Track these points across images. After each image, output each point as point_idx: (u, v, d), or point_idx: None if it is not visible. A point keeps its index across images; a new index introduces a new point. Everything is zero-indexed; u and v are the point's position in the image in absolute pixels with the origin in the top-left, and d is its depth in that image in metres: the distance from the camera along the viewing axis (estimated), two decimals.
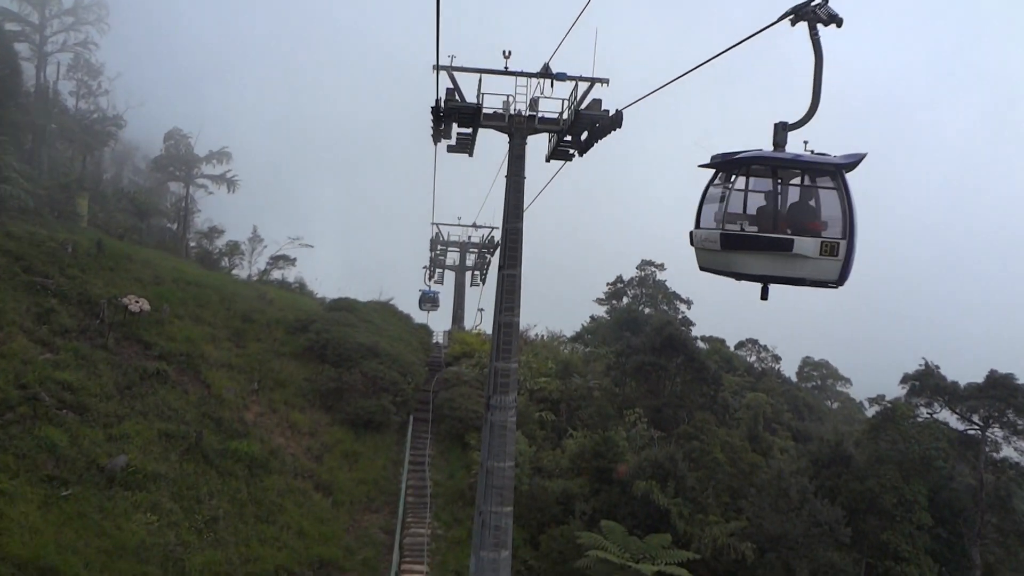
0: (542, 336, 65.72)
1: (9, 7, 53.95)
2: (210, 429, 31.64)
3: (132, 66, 74.90)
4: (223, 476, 29.50)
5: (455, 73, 21.19)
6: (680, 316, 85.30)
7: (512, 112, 21.93)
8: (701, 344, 61.97)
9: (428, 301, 59.53)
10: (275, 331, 42.37)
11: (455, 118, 21.68)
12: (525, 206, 22.80)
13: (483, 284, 66.74)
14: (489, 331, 64.09)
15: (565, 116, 21.73)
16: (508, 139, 22.50)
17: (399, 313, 52.40)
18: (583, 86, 21.41)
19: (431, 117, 21.44)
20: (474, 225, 62.54)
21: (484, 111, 21.58)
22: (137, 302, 36.03)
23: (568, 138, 22.61)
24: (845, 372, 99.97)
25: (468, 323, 65.60)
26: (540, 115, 22.05)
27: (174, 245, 63.46)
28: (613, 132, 20.82)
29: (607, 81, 21.38)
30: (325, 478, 32.64)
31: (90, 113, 58.80)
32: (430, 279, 66.97)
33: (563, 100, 21.70)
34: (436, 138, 22.71)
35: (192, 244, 69.48)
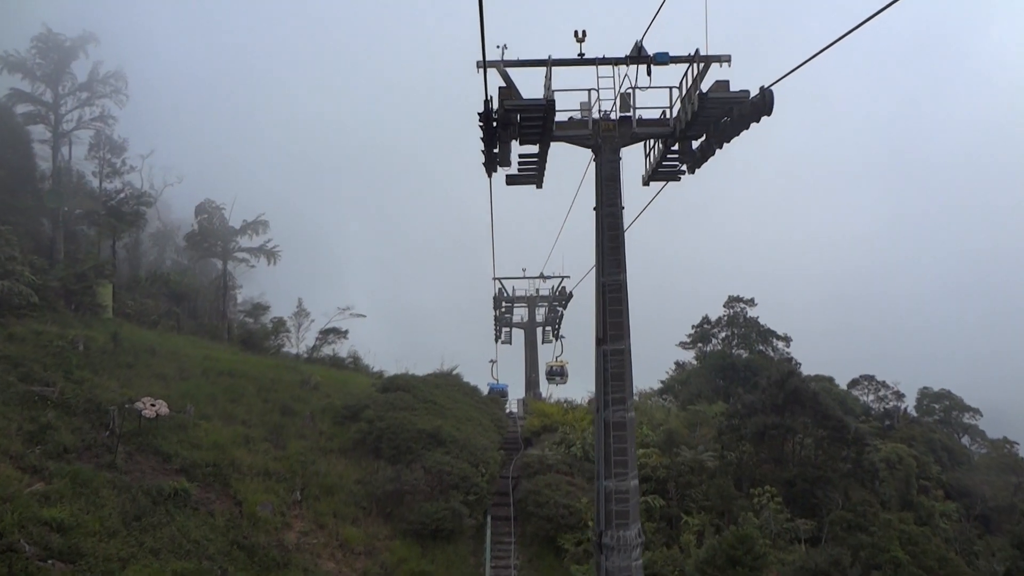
0: None
1: (21, 86, 51.21)
2: (240, 563, 25.77)
3: (160, 139, 72.26)
4: None
5: (509, 70, 15.31)
6: (781, 355, 77.43)
7: (597, 115, 15.91)
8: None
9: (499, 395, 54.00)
10: (321, 422, 36.76)
11: (514, 132, 15.75)
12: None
13: (556, 341, 60.62)
14: (566, 395, 57.97)
15: (676, 111, 15.56)
16: (593, 155, 16.50)
17: (464, 386, 46.29)
18: (693, 70, 15.27)
19: (481, 132, 15.57)
20: (541, 276, 56.86)
21: (557, 116, 15.59)
22: (153, 405, 30.84)
23: (674, 147, 16.44)
24: (972, 402, 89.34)
25: (544, 387, 59.27)
26: (637, 115, 15.97)
27: (215, 328, 59.22)
28: (748, 127, 14.54)
29: (728, 59, 15.22)
30: None
31: (116, 193, 55.37)
32: (498, 339, 61.16)
33: (670, 89, 15.58)
34: (490, 166, 16.91)
35: (237, 323, 65.49)
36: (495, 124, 15.56)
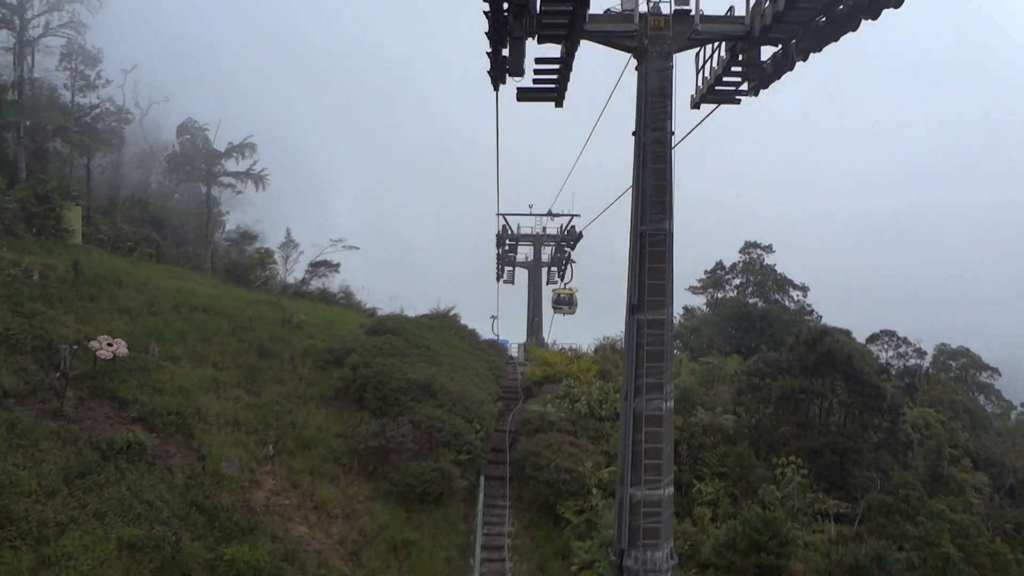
0: None
1: None
2: (198, 528, 23.01)
3: (138, 51, 67.76)
4: None
5: None
6: (798, 305, 74.27)
7: (646, 7, 12.23)
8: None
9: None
10: (301, 366, 33.78)
11: (531, 25, 12.10)
12: None
13: (562, 282, 57.32)
14: (573, 343, 54.87)
15: (754, 2, 11.85)
16: (635, 61, 12.88)
17: (461, 329, 43.18)
18: None
19: (486, 24, 11.89)
20: (549, 214, 53.38)
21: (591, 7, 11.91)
22: (110, 345, 27.74)
23: (740, 56, 12.80)
24: (991, 360, 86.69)
25: (547, 331, 56.26)
26: (700, 10, 12.29)
27: (198, 257, 56.02)
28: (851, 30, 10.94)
29: None
30: None
31: (91, 108, 51.41)
32: (499, 278, 57.93)
33: None
34: (498, 74, 13.36)
35: (223, 253, 62.22)
36: (506, 12, 11.88)
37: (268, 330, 35.92)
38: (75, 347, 26.47)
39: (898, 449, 32.08)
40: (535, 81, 14.10)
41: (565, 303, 53.58)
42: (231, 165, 55.41)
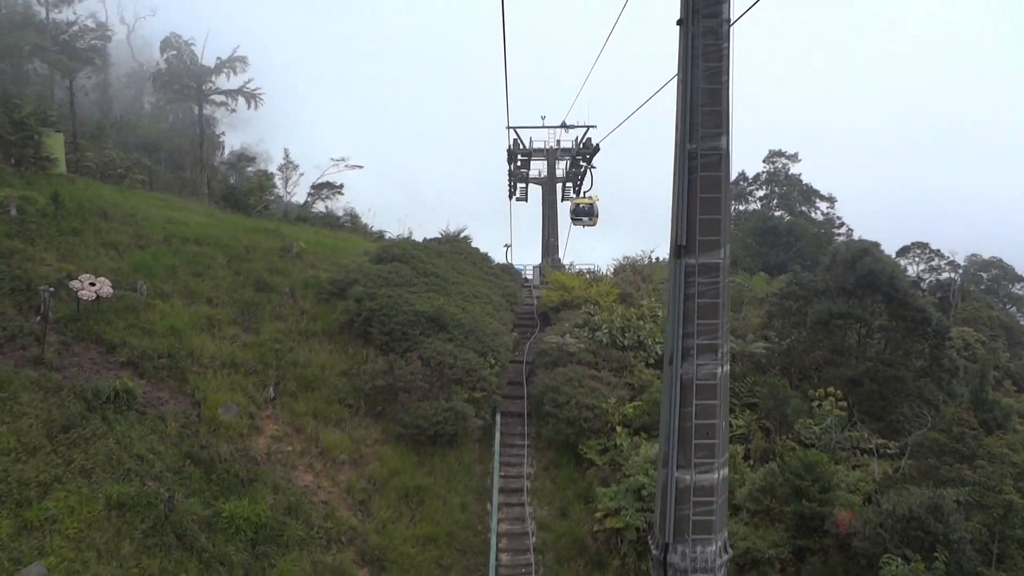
0: (650, 258, 53.71)
1: None
2: (194, 482, 21.66)
3: None
4: (208, 569, 19.48)
5: None
6: (826, 217, 71.55)
7: None
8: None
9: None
10: (303, 299, 31.97)
11: None
12: None
13: (577, 193, 54.67)
14: (590, 263, 52.70)
15: None
16: None
17: (472, 253, 41.10)
18: None
19: None
20: (563, 126, 50.39)
21: None
22: (92, 284, 25.97)
23: None
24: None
25: (563, 251, 54.09)
26: None
27: (193, 182, 53.82)
28: None
29: None
30: (375, 542, 22.40)
31: (68, 25, 48.36)
32: (512, 195, 55.44)
33: None
34: None
35: (220, 177, 59.90)
36: None
37: (266, 261, 34.05)
38: (51, 289, 24.65)
39: (943, 377, 30.18)
40: None
41: (585, 214, 49.73)
42: (222, 83, 52.43)
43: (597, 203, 49.89)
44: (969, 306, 54.67)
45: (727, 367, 10.80)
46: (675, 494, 10.30)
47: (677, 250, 10.83)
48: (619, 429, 26.71)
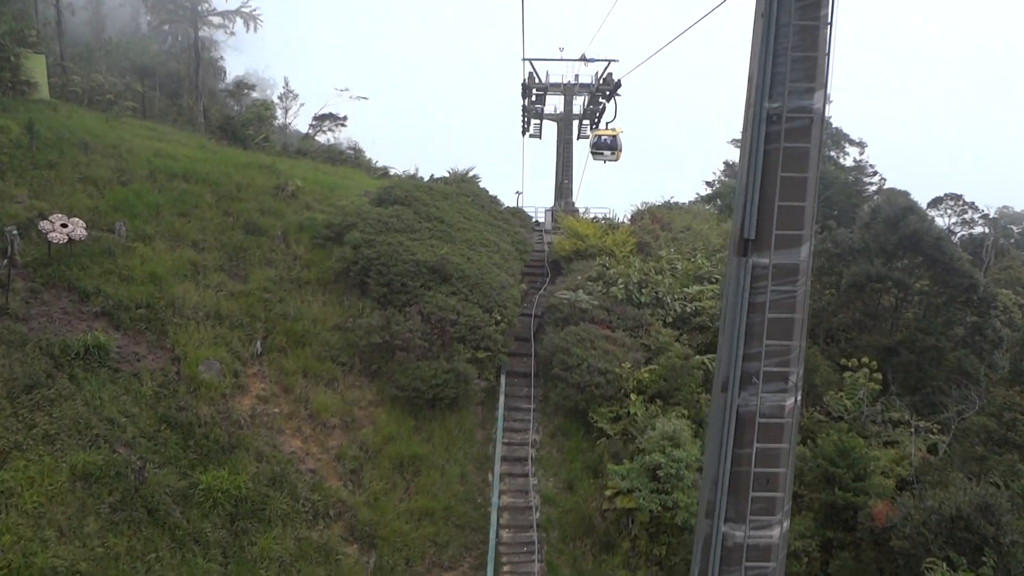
0: (669, 203, 51.18)
1: None
2: (170, 448, 20.08)
3: None
4: (182, 548, 17.99)
5: None
6: (857, 163, 68.39)
7: None
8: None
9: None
10: (295, 245, 29.99)
11: None
12: None
13: (594, 127, 51.71)
14: (606, 208, 50.16)
15: None
16: None
17: (481, 195, 38.83)
18: None
19: None
20: (583, 59, 47.29)
21: None
22: (64, 225, 23.99)
23: None
24: None
25: (577, 194, 51.59)
26: None
27: (189, 111, 51.26)
28: None
29: None
30: (365, 517, 20.91)
31: None
32: (525, 132, 52.70)
33: None
34: None
35: (219, 105, 57.22)
36: None
37: (259, 201, 31.92)
38: (15, 232, 22.72)
39: (984, 348, 28.14)
40: None
41: (608, 147, 45.67)
42: (221, 3, 49.35)
43: (621, 135, 46.46)
44: (1004, 263, 52.12)
45: (796, 398, 8.77)
46: (721, 553, 8.40)
47: (742, 245, 8.72)
48: (633, 397, 24.93)
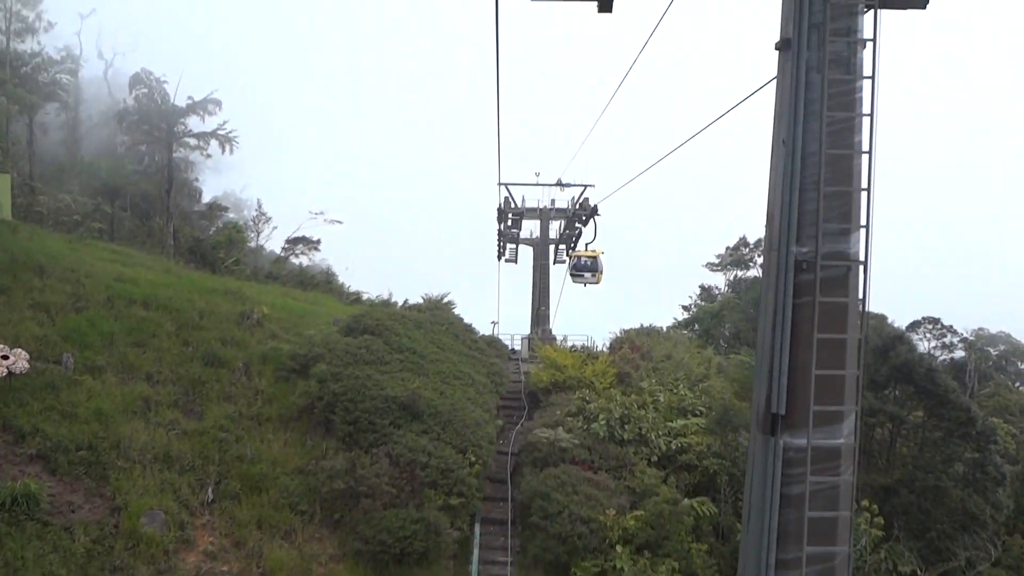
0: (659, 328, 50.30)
1: None
2: None
3: None
4: None
5: None
6: None
7: None
8: None
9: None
10: (258, 378, 28.27)
11: None
12: None
13: (575, 250, 51.31)
14: (583, 336, 49.13)
15: None
16: None
17: (456, 322, 37.63)
18: None
19: None
20: (559, 184, 47.50)
21: None
22: (4, 357, 22.25)
23: None
24: None
25: (554, 319, 50.68)
26: None
27: (160, 232, 50.33)
28: None
29: None
30: None
31: (31, 57, 45.32)
32: (500, 256, 52.21)
33: None
34: None
35: (193, 227, 56.41)
36: None
37: (221, 329, 30.38)
38: None
39: (988, 485, 26.68)
40: None
41: (587, 269, 44.22)
42: (197, 125, 49.33)
43: (602, 256, 45.51)
44: (989, 389, 51.35)
45: (849, 477, 7.26)
46: None
47: (769, 421, 7.40)
48: (619, 548, 22.92)
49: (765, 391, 7.55)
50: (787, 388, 7.43)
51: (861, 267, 7.60)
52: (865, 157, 7.55)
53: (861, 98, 7.41)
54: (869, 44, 7.26)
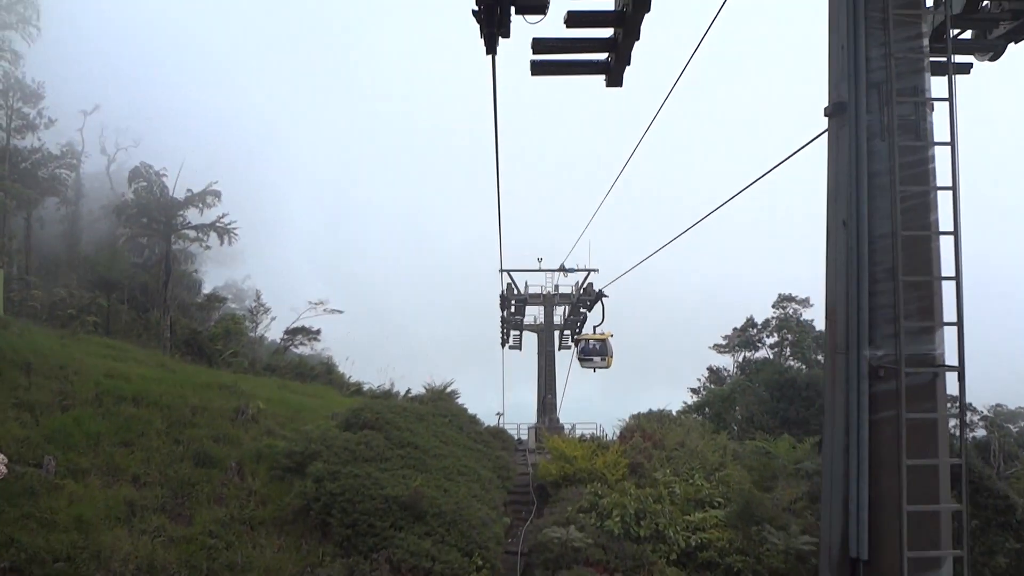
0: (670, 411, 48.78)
1: None
2: None
3: (90, 88, 62.12)
4: None
5: None
6: None
7: None
8: None
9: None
10: (251, 478, 26.81)
11: None
12: None
13: (580, 332, 50.16)
14: (596, 424, 47.56)
15: None
16: None
17: (460, 413, 36.27)
18: None
19: None
20: (562, 269, 46.86)
21: None
22: None
23: None
24: None
25: (560, 406, 49.25)
26: None
27: (157, 325, 49.42)
28: None
29: None
30: None
31: (31, 153, 45.39)
32: (504, 344, 51.17)
33: None
34: (490, 38, 6.61)
35: (193, 318, 55.58)
36: None
37: (214, 426, 29.10)
38: None
39: None
40: (574, 21, 7.42)
41: (596, 353, 42.41)
42: (194, 216, 49.01)
43: (611, 339, 43.97)
44: (1016, 470, 49.35)
45: None
46: None
47: (847, 567, 6.21)
48: None
49: (839, 529, 6.33)
50: (868, 530, 6.20)
51: (951, 373, 6.45)
52: (946, 239, 6.49)
53: (934, 168, 6.45)
54: (939, 104, 6.39)
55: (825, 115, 6.61)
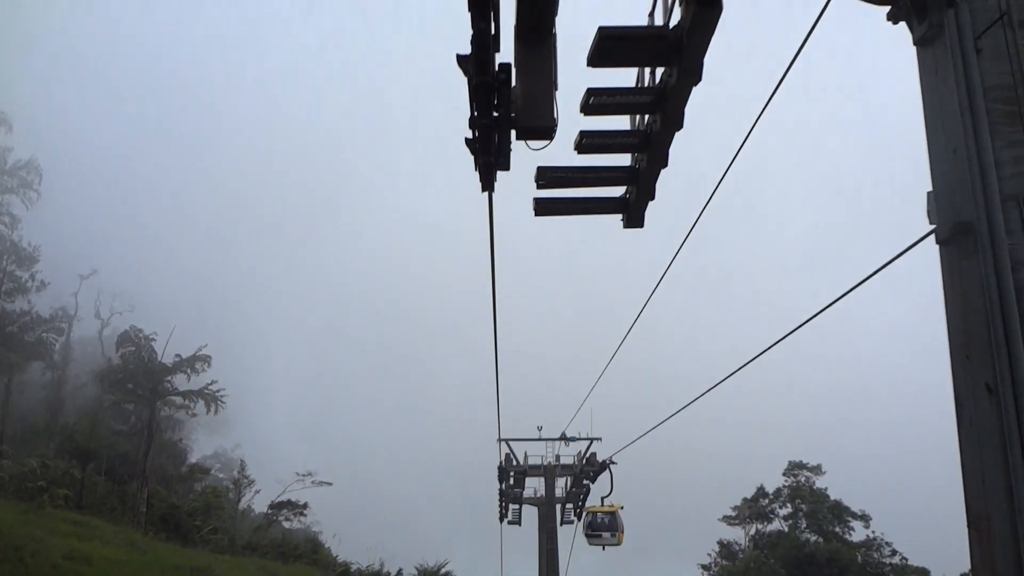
0: None
1: None
2: None
3: (84, 251, 62.39)
4: None
5: None
6: (866, 540, 63.30)
7: None
8: None
9: None
10: None
11: None
12: None
13: (579, 521, 47.09)
14: None
15: None
16: None
17: None
18: None
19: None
20: (563, 438, 44.52)
21: None
22: None
23: None
24: None
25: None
26: None
27: (134, 499, 46.59)
28: None
29: None
30: None
31: (20, 316, 44.47)
32: (503, 519, 48.01)
33: None
34: (487, 168, 5.39)
35: (175, 492, 52.68)
36: None
37: None
38: None
39: None
40: (587, 145, 6.26)
41: (606, 528, 37.66)
42: (182, 382, 47.40)
43: (621, 511, 40.23)
44: None
45: None
46: None
47: None
48: None
49: None
50: None
51: None
52: None
53: None
54: None
55: (937, 242, 5.19)
